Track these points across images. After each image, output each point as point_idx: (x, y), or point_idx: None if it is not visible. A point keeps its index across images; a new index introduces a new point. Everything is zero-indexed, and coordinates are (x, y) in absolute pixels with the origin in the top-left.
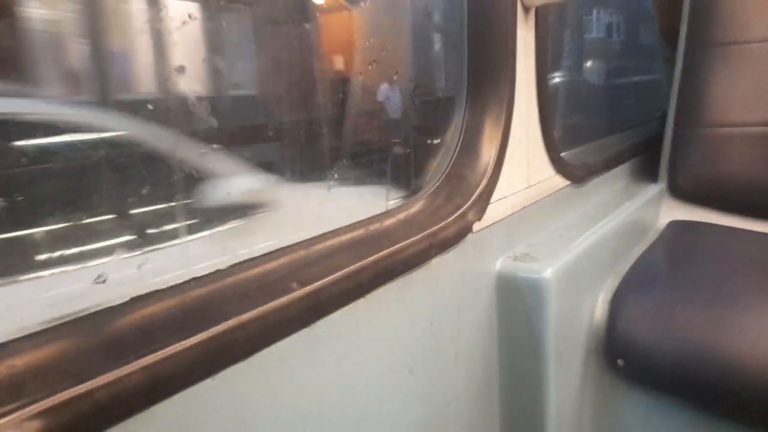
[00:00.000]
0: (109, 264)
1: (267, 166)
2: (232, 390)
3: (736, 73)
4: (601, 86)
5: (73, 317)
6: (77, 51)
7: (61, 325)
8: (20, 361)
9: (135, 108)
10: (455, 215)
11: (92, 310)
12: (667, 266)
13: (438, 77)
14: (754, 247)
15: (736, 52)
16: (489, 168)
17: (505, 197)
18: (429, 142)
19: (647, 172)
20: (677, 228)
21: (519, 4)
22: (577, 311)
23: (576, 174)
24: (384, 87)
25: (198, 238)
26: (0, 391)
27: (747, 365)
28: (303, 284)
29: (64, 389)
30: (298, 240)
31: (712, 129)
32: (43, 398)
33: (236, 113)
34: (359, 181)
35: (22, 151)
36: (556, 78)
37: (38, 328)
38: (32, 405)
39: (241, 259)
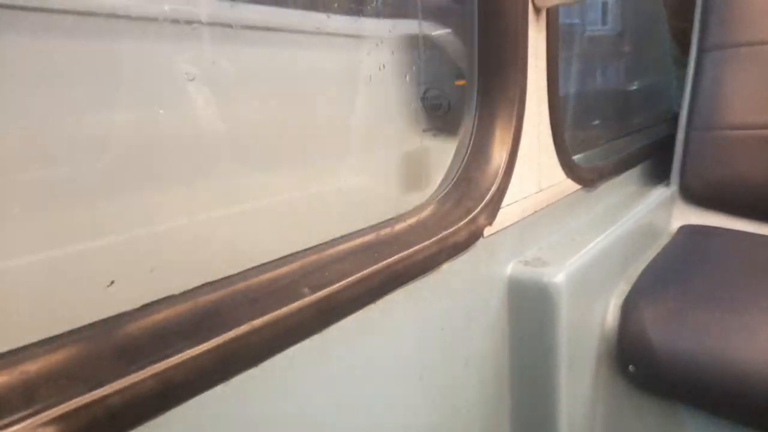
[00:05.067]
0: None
1: None
2: (244, 396)
3: (749, 75)
4: None
5: (86, 323)
6: None
7: (74, 330)
8: (33, 367)
9: None
10: (466, 220)
11: (104, 316)
12: (678, 271)
13: None
14: (767, 251)
15: (748, 53)
16: (500, 172)
17: (516, 201)
18: None
19: (658, 176)
20: (689, 232)
21: (530, 5)
22: (589, 316)
23: (587, 178)
24: None
25: None
26: (13, 397)
27: (761, 371)
28: (314, 289)
29: (77, 395)
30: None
31: (724, 131)
32: (56, 404)
33: None
34: None
35: None
36: None
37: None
38: (45, 411)
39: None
